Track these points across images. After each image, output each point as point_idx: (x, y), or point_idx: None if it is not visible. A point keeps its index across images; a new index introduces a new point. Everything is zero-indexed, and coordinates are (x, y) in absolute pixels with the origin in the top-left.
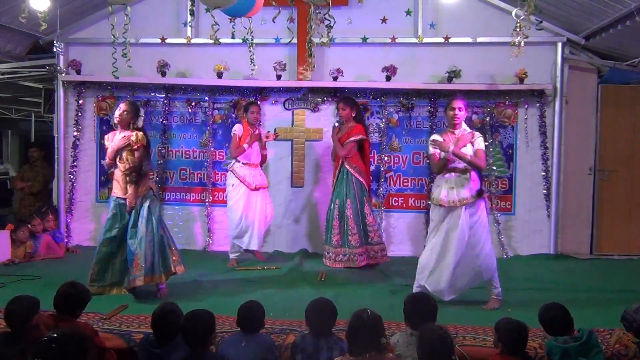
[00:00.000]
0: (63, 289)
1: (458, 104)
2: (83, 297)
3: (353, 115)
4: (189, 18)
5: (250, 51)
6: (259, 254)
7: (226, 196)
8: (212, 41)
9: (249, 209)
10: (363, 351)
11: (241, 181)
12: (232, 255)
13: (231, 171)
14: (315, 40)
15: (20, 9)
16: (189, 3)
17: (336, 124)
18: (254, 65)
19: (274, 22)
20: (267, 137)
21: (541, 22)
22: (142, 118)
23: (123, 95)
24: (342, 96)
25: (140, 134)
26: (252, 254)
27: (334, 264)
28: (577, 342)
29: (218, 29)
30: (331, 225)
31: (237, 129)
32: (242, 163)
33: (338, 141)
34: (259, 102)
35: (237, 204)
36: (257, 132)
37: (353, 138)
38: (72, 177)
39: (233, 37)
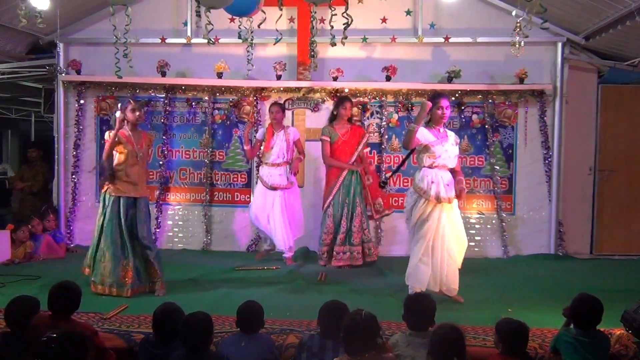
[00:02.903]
0: (54, 291)
1: (445, 102)
2: (75, 296)
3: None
4: (195, 19)
5: (248, 51)
6: (289, 260)
7: None
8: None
9: (262, 207)
10: (360, 352)
11: (259, 178)
12: (266, 247)
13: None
14: (320, 39)
15: (19, 11)
16: (195, 4)
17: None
18: (252, 65)
19: (258, 27)
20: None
21: (546, 21)
22: None
23: (123, 95)
24: (346, 96)
25: (150, 133)
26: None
27: (356, 261)
28: (590, 338)
29: (212, 29)
30: (352, 224)
31: (259, 133)
32: (264, 162)
33: (352, 145)
34: (281, 102)
35: (254, 196)
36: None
37: (366, 140)
38: (73, 177)
39: (239, 37)
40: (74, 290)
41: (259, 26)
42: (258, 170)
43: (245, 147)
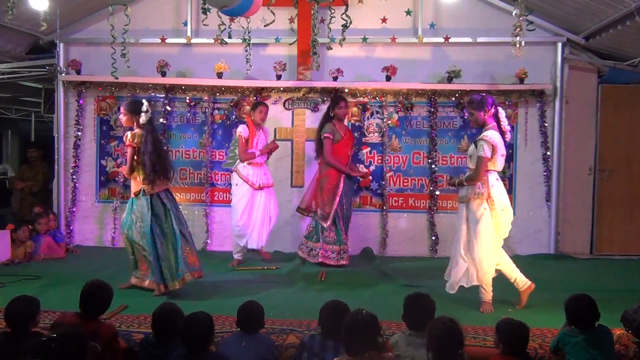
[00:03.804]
0: (87, 290)
1: (467, 108)
2: (108, 295)
3: None
4: (196, 19)
5: (246, 51)
6: (265, 253)
7: (231, 195)
8: (212, 41)
9: (252, 208)
10: (361, 351)
11: (244, 181)
12: (235, 256)
13: (235, 171)
14: (321, 40)
15: (10, 10)
16: (201, 2)
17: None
18: (250, 65)
19: (265, 27)
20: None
21: (532, 22)
22: (147, 113)
23: (123, 95)
24: (339, 95)
25: (129, 133)
26: (257, 253)
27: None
28: (594, 334)
29: (224, 29)
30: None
31: (243, 131)
32: (246, 163)
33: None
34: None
35: (239, 203)
36: (272, 143)
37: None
38: (73, 177)
39: (229, 37)
40: (107, 290)
41: (265, 26)
42: (234, 171)
43: (256, 153)
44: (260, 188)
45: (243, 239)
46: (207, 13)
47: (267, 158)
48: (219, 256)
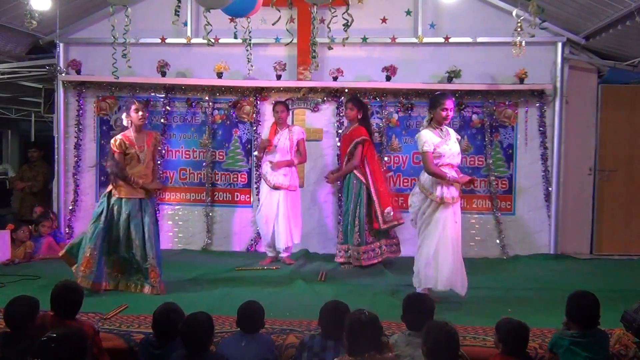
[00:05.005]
0: (57, 292)
1: (450, 104)
2: (79, 296)
3: (359, 117)
4: (174, 18)
5: (247, 50)
6: (287, 258)
7: None
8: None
9: (266, 207)
10: (363, 351)
11: (262, 178)
12: (268, 254)
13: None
14: (320, 39)
15: (23, 13)
16: (195, 5)
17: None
18: (252, 65)
19: (273, 25)
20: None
21: (545, 21)
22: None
23: (123, 95)
24: (351, 96)
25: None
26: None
27: (366, 261)
28: (587, 338)
29: (211, 30)
30: (353, 224)
31: (264, 133)
32: (268, 161)
33: (345, 146)
34: (284, 101)
35: (260, 198)
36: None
37: (355, 140)
38: (76, 177)
39: (235, 37)
40: (77, 291)
41: (273, 24)
42: (260, 168)
43: (255, 154)
44: (276, 188)
45: (262, 232)
46: (196, 14)
47: (288, 162)
48: (219, 256)
